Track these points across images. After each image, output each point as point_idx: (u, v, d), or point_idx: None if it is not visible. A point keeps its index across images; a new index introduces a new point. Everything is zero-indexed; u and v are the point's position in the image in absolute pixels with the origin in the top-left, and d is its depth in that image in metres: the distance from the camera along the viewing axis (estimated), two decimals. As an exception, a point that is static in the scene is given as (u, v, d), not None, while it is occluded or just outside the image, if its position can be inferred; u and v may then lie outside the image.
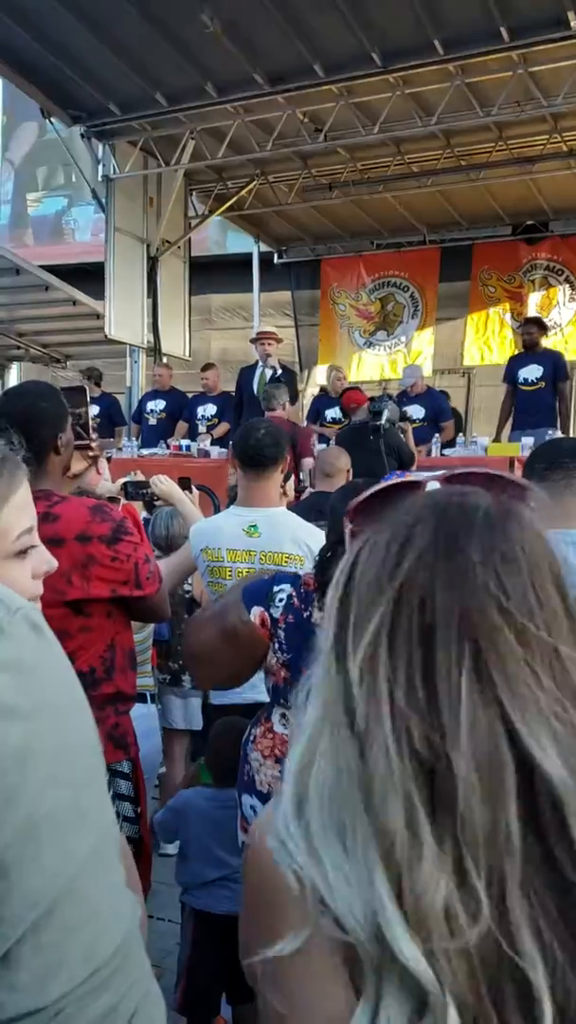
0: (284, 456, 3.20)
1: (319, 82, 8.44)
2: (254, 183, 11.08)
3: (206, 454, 8.51)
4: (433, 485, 0.83)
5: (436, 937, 0.68)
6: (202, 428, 9.54)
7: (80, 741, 0.92)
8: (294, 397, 7.97)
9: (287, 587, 2.35)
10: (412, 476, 0.84)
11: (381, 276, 12.66)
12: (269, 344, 8.32)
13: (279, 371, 8.11)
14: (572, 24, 7.28)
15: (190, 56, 8.33)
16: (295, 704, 0.82)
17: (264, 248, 12.84)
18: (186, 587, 4.23)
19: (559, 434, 7.87)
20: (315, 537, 3.14)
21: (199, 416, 9.68)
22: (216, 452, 8.43)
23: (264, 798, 2.34)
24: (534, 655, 0.72)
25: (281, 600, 2.33)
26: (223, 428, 9.23)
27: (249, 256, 12.79)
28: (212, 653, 2.41)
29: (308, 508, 3.80)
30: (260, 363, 8.31)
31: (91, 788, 0.91)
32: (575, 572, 0.82)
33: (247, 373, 8.50)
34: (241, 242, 13.17)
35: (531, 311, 11.56)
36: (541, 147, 9.85)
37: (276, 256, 13.11)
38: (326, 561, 2.34)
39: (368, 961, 0.71)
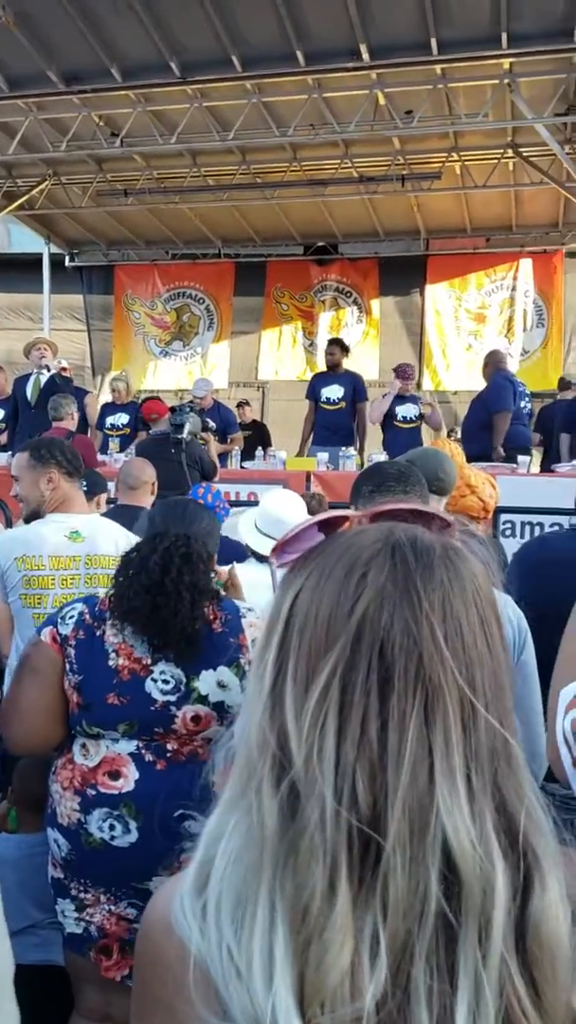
0: (97, 494, 3.25)
1: (116, 87, 8.31)
2: (46, 183, 10.73)
3: (-8, 462, 8.10)
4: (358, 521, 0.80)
5: (330, 1005, 0.65)
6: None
7: None
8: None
9: (80, 605, 2.29)
10: (337, 512, 0.80)
11: (176, 287, 12.64)
12: (44, 350, 8.04)
13: (52, 372, 7.82)
14: (364, 56, 7.60)
15: (-21, 45, 7.94)
16: (216, 769, 0.76)
17: (55, 249, 12.45)
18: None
19: (352, 452, 8.16)
20: (133, 543, 3.10)
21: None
22: (3, 459, 8.04)
23: (67, 832, 2.22)
24: (471, 711, 0.70)
25: (72, 617, 2.25)
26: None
27: (38, 256, 12.36)
28: (14, 699, 2.29)
29: (113, 521, 3.69)
30: (35, 370, 8.01)
31: None
32: None
33: (21, 382, 8.17)
34: (29, 241, 12.70)
35: (322, 330, 11.95)
36: (333, 171, 10.19)
37: (68, 259, 12.76)
38: (126, 557, 2.28)
39: None
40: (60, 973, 2.65)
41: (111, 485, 4.43)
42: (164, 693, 2.18)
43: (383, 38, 7.46)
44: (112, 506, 4.24)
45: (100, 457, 7.99)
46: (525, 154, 9.53)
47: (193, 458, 5.81)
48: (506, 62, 7.70)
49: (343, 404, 8.84)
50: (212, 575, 2.34)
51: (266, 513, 3.36)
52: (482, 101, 8.22)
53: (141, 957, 0.78)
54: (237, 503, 6.36)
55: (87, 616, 2.23)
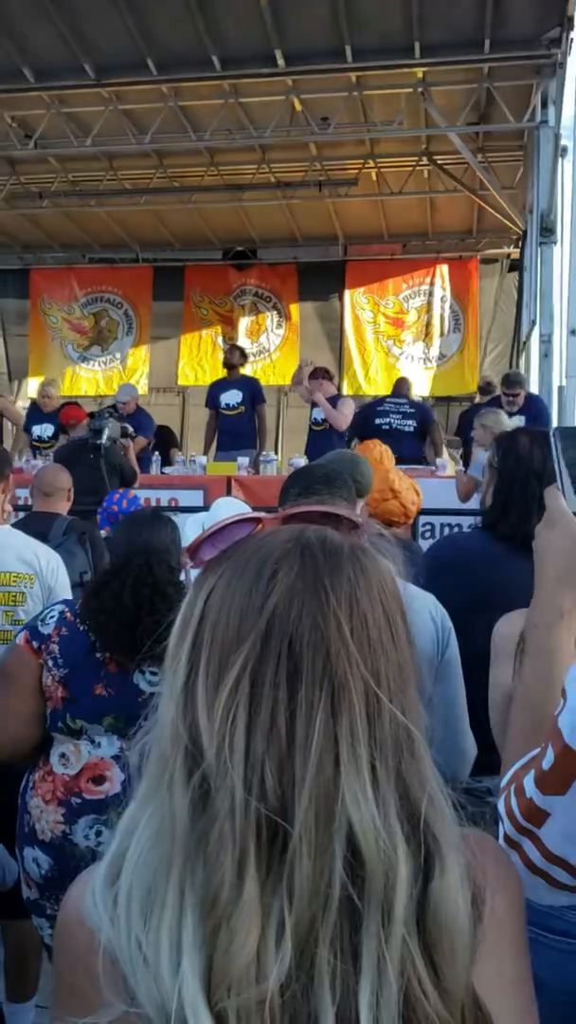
0: (5, 475, 3.09)
1: (29, 87, 8.17)
2: (-43, 184, 10.48)
3: None
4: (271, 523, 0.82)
5: (236, 989, 0.66)
6: None
7: None
8: None
9: (59, 606, 2.37)
10: (251, 513, 0.82)
11: (94, 291, 12.49)
12: None
13: None
14: (279, 62, 7.64)
15: None
16: (130, 763, 0.77)
17: (-33, 253, 12.19)
18: None
19: (273, 455, 8.18)
20: (43, 554, 3.03)
21: None
22: None
23: (49, 848, 2.20)
24: (375, 703, 0.72)
25: (52, 617, 2.31)
26: None
27: (-50, 260, 12.08)
28: None
29: (26, 529, 3.61)
30: None
31: None
32: None
33: None
34: None
35: (242, 335, 11.95)
36: (251, 176, 10.21)
37: (-19, 262, 12.50)
38: (98, 593, 2.33)
39: None
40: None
41: (25, 492, 4.34)
42: (152, 684, 2.21)
43: (298, 45, 7.52)
44: (26, 513, 4.15)
45: (17, 464, 7.83)
46: (440, 162, 9.72)
47: (112, 464, 5.75)
48: (419, 71, 7.84)
49: (242, 408, 8.89)
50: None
51: (216, 519, 3.33)
52: (397, 109, 8.35)
53: (56, 947, 0.81)
54: (160, 509, 6.32)
55: (68, 614, 2.29)
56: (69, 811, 2.18)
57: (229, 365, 9.19)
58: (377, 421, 7.88)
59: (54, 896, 2.22)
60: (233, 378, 9.14)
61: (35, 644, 2.27)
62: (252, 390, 9.06)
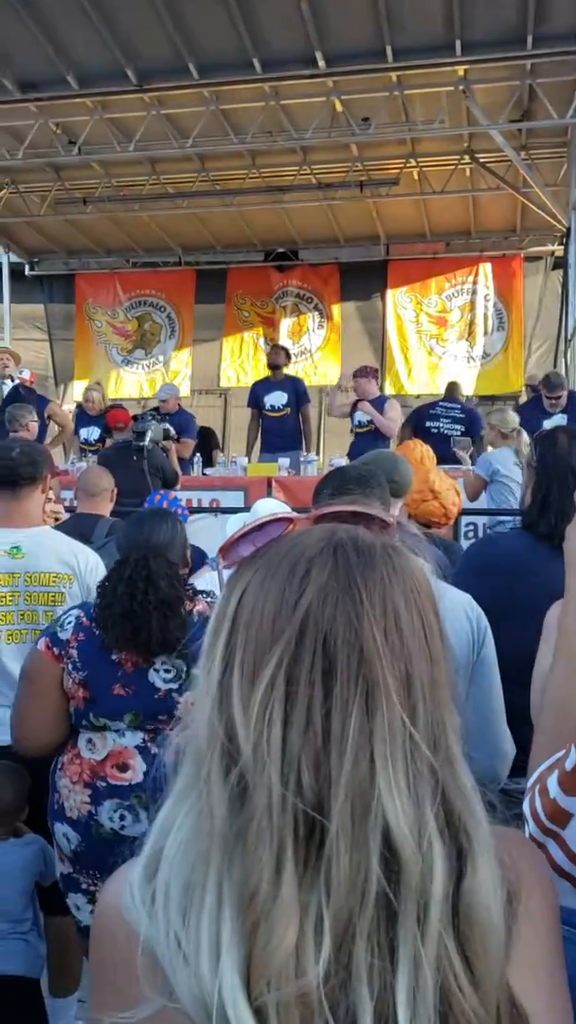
0: (43, 475, 3.11)
1: (72, 94, 8.28)
2: (4, 191, 10.65)
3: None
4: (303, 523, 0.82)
5: (275, 984, 0.67)
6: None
7: None
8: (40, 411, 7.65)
9: (76, 611, 2.47)
10: (284, 513, 0.83)
11: (137, 295, 12.60)
12: (7, 360, 7.96)
13: (15, 382, 7.75)
14: (320, 63, 7.65)
15: None
16: (167, 765, 0.79)
17: (15, 259, 12.37)
18: None
19: (313, 456, 8.17)
20: (82, 555, 3.07)
21: (-56, 432, 9.11)
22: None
23: (77, 825, 2.35)
24: (410, 701, 0.73)
25: (69, 623, 2.42)
26: None
27: (-2, 266, 12.27)
28: (20, 708, 2.48)
29: (70, 530, 3.66)
30: None
31: None
32: None
33: None
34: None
35: (283, 336, 11.95)
36: (292, 177, 10.23)
37: (28, 267, 12.68)
38: (100, 588, 2.45)
39: None
40: (19, 984, 2.62)
41: (69, 494, 4.41)
42: (167, 681, 2.34)
43: (338, 46, 7.52)
44: (71, 515, 4.21)
45: (63, 466, 7.94)
46: (482, 160, 9.63)
47: (155, 466, 5.80)
48: (460, 69, 7.78)
49: (288, 410, 8.86)
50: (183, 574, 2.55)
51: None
52: (438, 108, 8.30)
53: (94, 942, 0.82)
54: (199, 510, 6.36)
55: (84, 619, 2.40)
56: (95, 793, 2.32)
57: (274, 366, 9.15)
58: (427, 424, 8.02)
59: (86, 870, 2.37)
60: (277, 379, 9.11)
61: (56, 650, 2.40)
62: (297, 391, 9.02)
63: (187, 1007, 0.69)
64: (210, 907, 0.70)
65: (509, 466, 6.05)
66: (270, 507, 3.64)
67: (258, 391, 9.21)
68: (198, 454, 8.68)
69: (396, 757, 0.71)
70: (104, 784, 2.32)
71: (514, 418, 6.32)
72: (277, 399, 8.93)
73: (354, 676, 0.71)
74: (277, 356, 9.26)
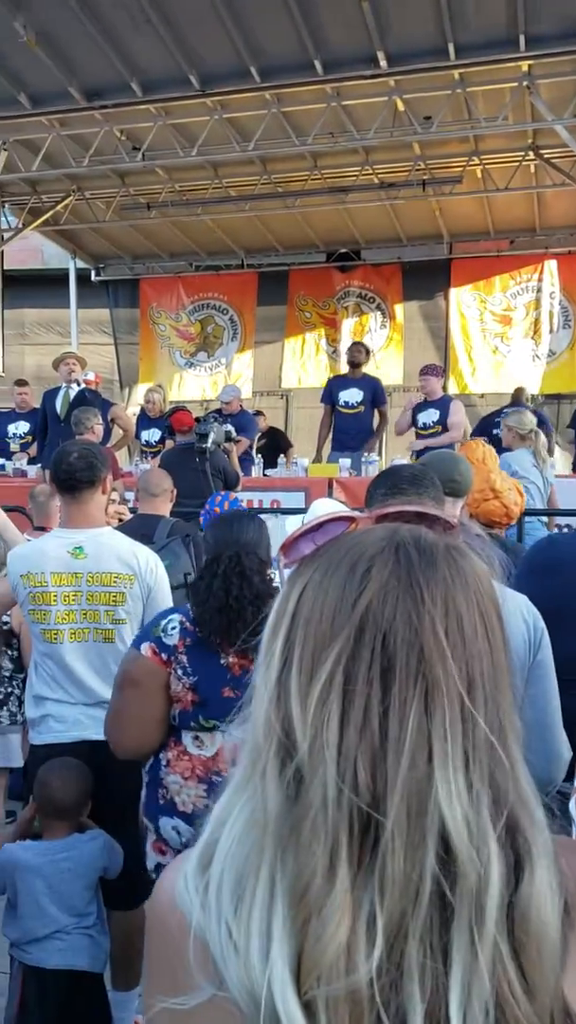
0: (101, 477, 3.15)
1: (136, 101, 8.40)
2: (70, 198, 10.85)
3: (22, 473, 8.21)
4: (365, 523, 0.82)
5: (326, 979, 0.67)
6: (14, 446, 9.19)
7: None
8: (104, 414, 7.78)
9: (175, 616, 2.50)
10: (345, 512, 0.82)
11: (200, 298, 12.72)
12: (73, 364, 8.10)
13: (82, 385, 7.87)
14: (382, 63, 7.62)
15: (2, 64, 8.06)
16: (227, 760, 0.79)
17: (81, 264, 12.60)
18: (4, 618, 4.04)
19: (375, 457, 8.14)
20: (142, 555, 3.10)
21: (10, 434, 9.33)
22: (33, 471, 8.14)
23: (191, 818, 2.39)
24: (469, 702, 0.72)
25: (173, 628, 2.46)
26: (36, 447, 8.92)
27: (65, 271, 12.51)
28: (120, 711, 2.51)
29: (133, 530, 3.72)
30: (64, 384, 8.07)
31: None
32: None
33: (50, 396, 8.24)
34: (61, 257, 12.86)
35: (345, 336, 11.94)
36: (354, 178, 10.21)
37: (94, 273, 12.89)
38: (195, 586, 2.50)
39: None
40: (83, 978, 2.67)
41: (132, 495, 4.47)
42: None
43: (400, 45, 7.48)
44: (134, 515, 4.27)
45: (126, 468, 8.07)
46: (546, 156, 9.49)
47: (217, 468, 5.85)
48: (524, 64, 7.68)
49: (362, 408, 8.78)
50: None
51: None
52: (501, 104, 8.21)
53: (148, 928, 0.83)
54: (260, 511, 6.39)
55: (187, 623, 2.45)
56: (210, 787, 2.37)
57: (356, 363, 9.07)
58: (495, 432, 8.00)
59: None
60: (355, 376, 9.02)
61: (163, 655, 2.43)
62: (374, 390, 8.92)
63: (236, 996, 0.70)
64: (262, 899, 0.71)
65: (527, 467, 6.04)
66: (329, 507, 3.64)
67: (333, 387, 9.15)
68: (259, 455, 8.71)
69: (455, 758, 0.70)
70: (220, 779, 2.34)
71: (531, 419, 6.32)
72: (352, 396, 8.86)
73: (413, 675, 0.71)
74: (358, 353, 9.15)
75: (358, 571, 0.74)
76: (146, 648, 2.46)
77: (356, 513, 0.83)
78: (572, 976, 0.72)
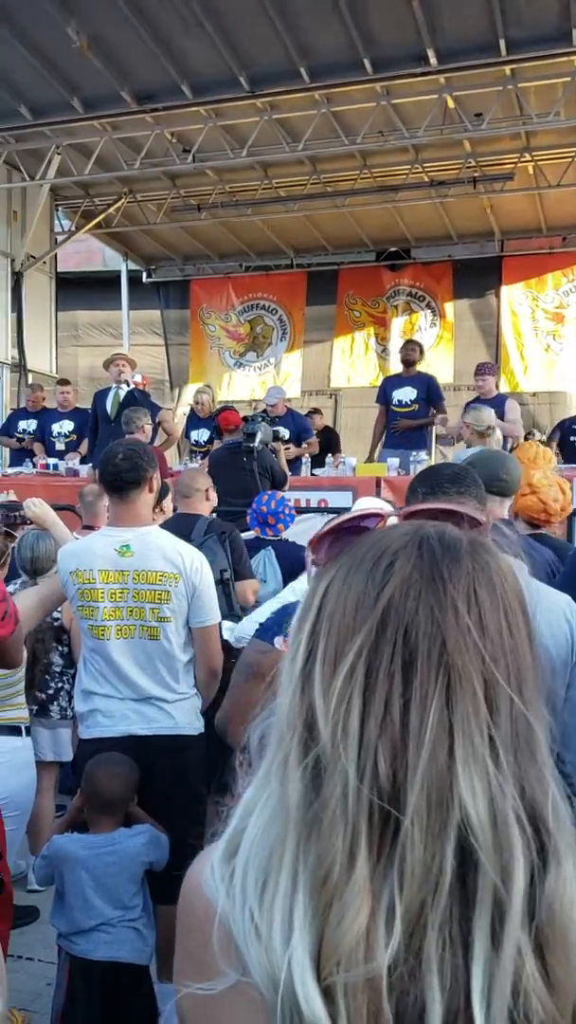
0: (147, 476, 3.17)
1: (187, 103, 8.47)
2: (122, 201, 10.99)
3: (74, 472, 8.31)
4: (392, 520, 0.83)
5: (345, 966, 0.68)
6: (59, 445, 9.33)
7: None
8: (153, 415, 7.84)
9: (290, 609, 2.48)
10: (374, 509, 0.83)
11: (250, 298, 12.77)
12: (123, 365, 8.17)
13: (131, 386, 7.94)
14: (432, 60, 7.58)
15: (56, 70, 8.20)
16: (249, 747, 0.81)
17: (133, 266, 12.73)
18: (55, 614, 4.11)
19: (423, 456, 8.08)
20: (187, 554, 3.13)
21: (55, 433, 9.47)
22: (84, 471, 8.25)
23: None
24: (493, 696, 0.72)
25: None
26: (85, 447, 9.03)
27: (117, 273, 12.65)
28: (243, 702, 2.47)
29: (171, 530, 3.75)
30: (114, 385, 8.16)
31: None
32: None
33: (100, 396, 8.33)
34: (119, 258, 13.02)
35: (394, 335, 11.89)
36: (404, 176, 10.18)
37: (145, 275, 13.02)
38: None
39: (277, 1016, 0.70)
40: (128, 970, 2.70)
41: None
42: None
43: (450, 41, 7.44)
44: (172, 515, 4.31)
45: (176, 467, 8.13)
46: (600, 150, 9.36)
47: (264, 467, 5.86)
48: (577, 59, 7.58)
49: (416, 406, 8.69)
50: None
51: None
52: (553, 100, 8.11)
53: (178, 914, 0.84)
54: (307, 510, 6.41)
55: None
56: None
57: (410, 362, 8.99)
58: (572, 440, 8.11)
59: None
60: (409, 374, 8.93)
61: None
62: (428, 387, 8.80)
63: (258, 982, 0.71)
64: (284, 888, 0.72)
65: None
66: (370, 505, 3.65)
67: (387, 387, 9.06)
68: (306, 455, 8.71)
69: (476, 751, 0.70)
70: None
71: (489, 416, 6.22)
72: (405, 394, 8.78)
73: (435, 669, 0.71)
74: (412, 352, 9.04)
75: (381, 565, 0.75)
76: (279, 642, 2.45)
77: (387, 509, 0.84)
78: None
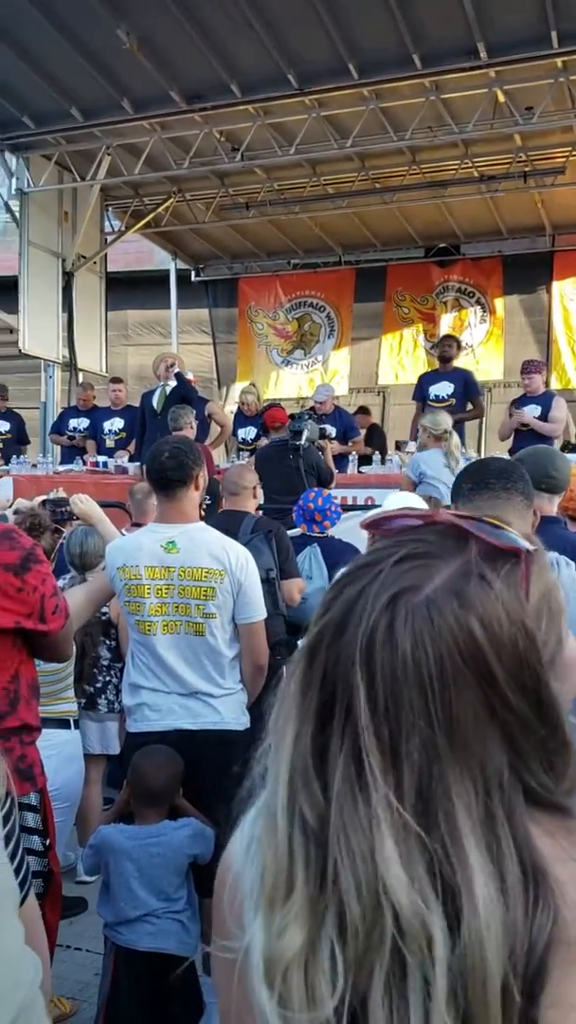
0: (192, 475, 3.18)
1: (236, 102, 8.49)
2: (171, 200, 11.06)
3: (123, 470, 8.40)
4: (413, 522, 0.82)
5: (283, 978, 0.70)
6: (110, 442, 9.43)
7: None
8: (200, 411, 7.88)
9: None
10: (413, 511, 0.82)
11: (298, 296, 12.76)
12: (171, 363, 8.23)
13: (176, 383, 7.99)
14: (482, 55, 7.50)
15: (106, 71, 8.28)
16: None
17: (181, 265, 12.82)
18: (103, 609, 4.16)
19: (472, 453, 8.02)
20: (232, 551, 3.14)
21: (106, 430, 9.58)
22: (132, 469, 8.33)
23: None
24: (402, 754, 0.69)
25: None
26: (134, 444, 9.13)
27: (166, 273, 12.74)
28: None
29: (217, 527, 3.77)
30: (161, 382, 8.22)
31: None
32: None
33: (148, 395, 8.40)
34: (165, 258, 13.13)
35: (444, 331, 11.77)
36: (453, 171, 10.10)
37: (194, 274, 13.09)
38: None
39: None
40: (173, 961, 2.73)
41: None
42: None
43: (501, 35, 7.35)
44: (219, 513, 4.33)
45: (223, 465, 8.18)
46: None
47: (310, 464, 5.86)
48: (631, 49, 7.44)
49: (453, 401, 8.65)
50: None
51: (393, 505, 3.38)
52: (606, 91, 7.98)
53: (215, 882, 0.90)
54: (354, 507, 6.39)
55: None
56: None
57: (447, 358, 8.97)
58: None
59: None
60: (446, 370, 8.93)
61: None
62: (465, 381, 8.81)
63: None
64: (253, 883, 0.77)
65: (438, 468, 5.90)
66: (402, 500, 3.65)
67: (424, 382, 9.08)
68: (353, 453, 8.70)
69: (381, 818, 0.68)
70: None
71: (446, 420, 6.14)
72: (442, 389, 8.76)
73: (342, 720, 0.70)
74: (448, 348, 9.03)
75: (330, 593, 0.76)
76: None
77: (425, 511, 0.82)
78: (552, 1007, 0.67)
